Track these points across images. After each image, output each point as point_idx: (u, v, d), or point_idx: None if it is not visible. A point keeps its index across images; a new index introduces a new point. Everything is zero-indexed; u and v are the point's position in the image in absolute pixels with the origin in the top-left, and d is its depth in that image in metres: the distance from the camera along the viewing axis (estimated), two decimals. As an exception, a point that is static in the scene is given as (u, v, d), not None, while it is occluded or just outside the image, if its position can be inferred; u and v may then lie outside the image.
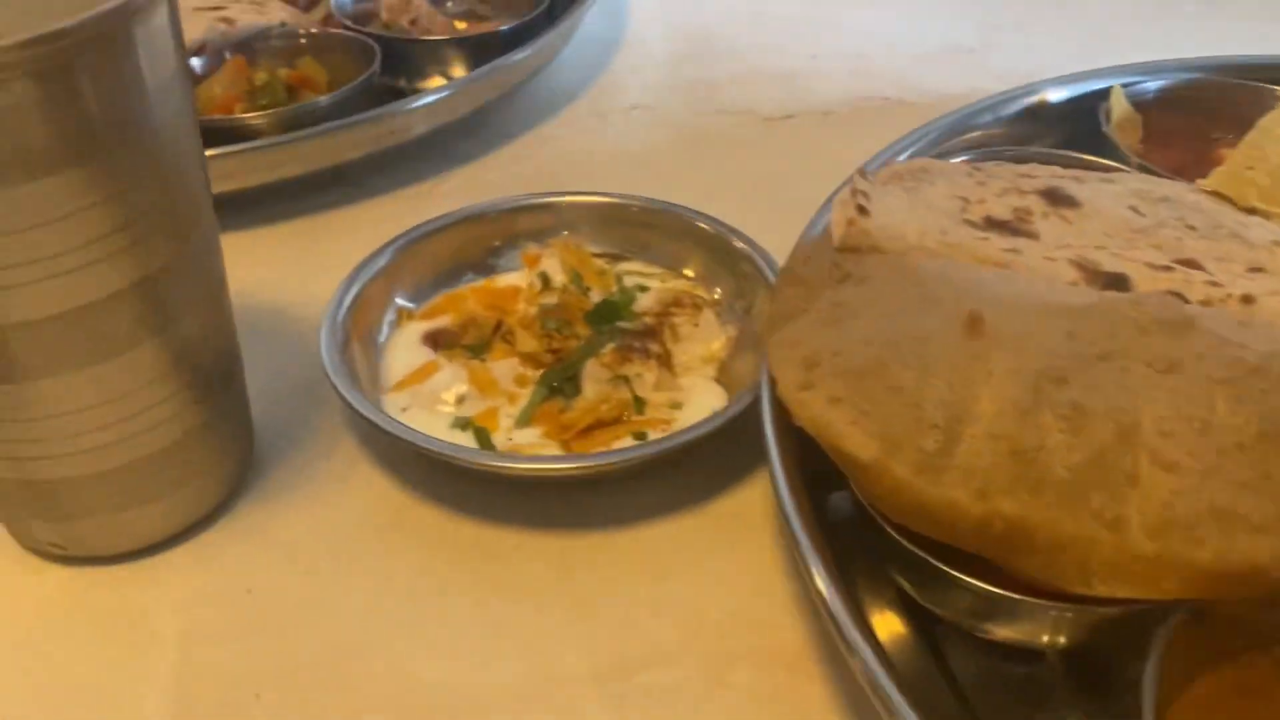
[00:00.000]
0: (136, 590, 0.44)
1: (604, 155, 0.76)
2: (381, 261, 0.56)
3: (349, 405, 0.47)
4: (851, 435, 0.37)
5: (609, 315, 0.53)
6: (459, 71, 0.80)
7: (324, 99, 0.69)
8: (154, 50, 0.35)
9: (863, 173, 0.47)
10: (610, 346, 0.51)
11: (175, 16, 0.37)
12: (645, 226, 0.59)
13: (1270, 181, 0.52)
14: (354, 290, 0.54)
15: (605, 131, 0.79)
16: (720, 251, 0.57)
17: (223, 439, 0.46)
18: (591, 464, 0.45)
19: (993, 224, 0.48)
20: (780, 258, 0.54)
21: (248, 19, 0.77)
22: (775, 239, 0.56)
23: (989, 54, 0.88)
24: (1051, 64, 0.70)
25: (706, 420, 0.46)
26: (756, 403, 0.44)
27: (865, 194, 0.44)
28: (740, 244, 0.55)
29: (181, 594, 0.44)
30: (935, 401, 0.36)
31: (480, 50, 0.79)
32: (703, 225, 0.57)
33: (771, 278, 0.53)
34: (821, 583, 0.36)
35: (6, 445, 0.40)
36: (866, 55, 0.88)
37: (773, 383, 0.42)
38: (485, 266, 0.60)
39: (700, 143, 0.77)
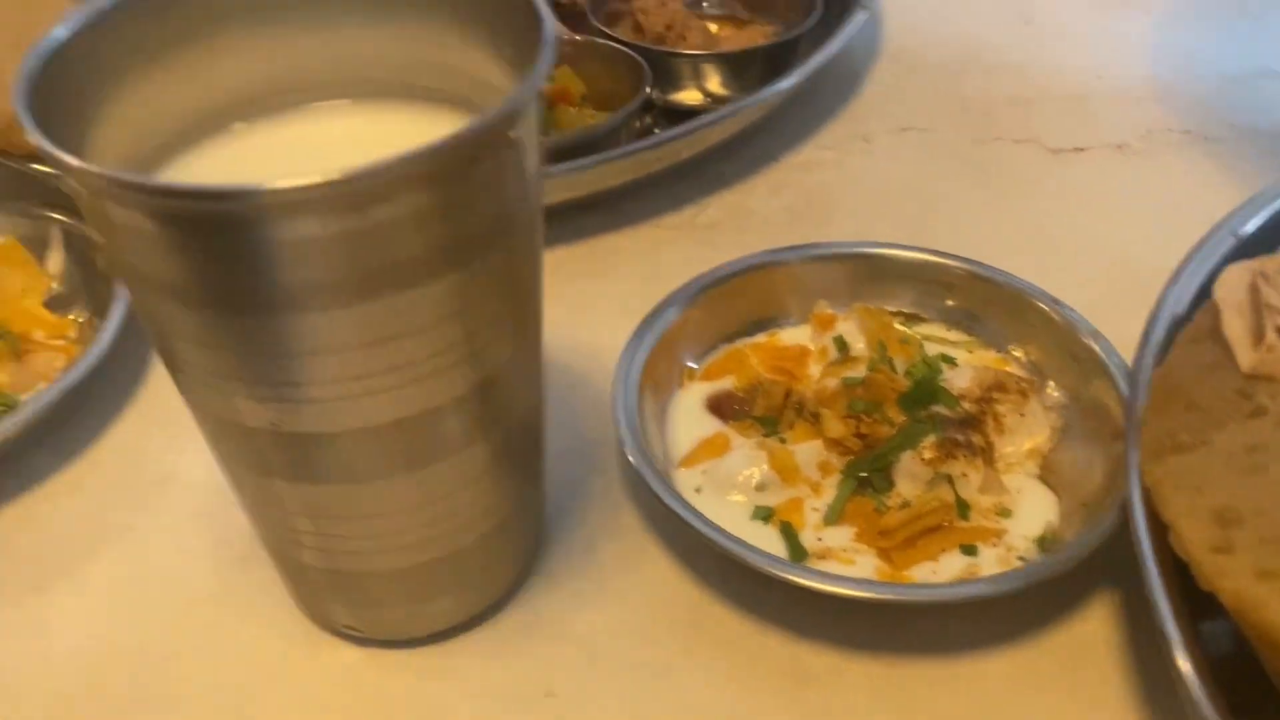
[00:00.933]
0: (432, 679, 0.42)
1: (872, 185, 0.70)
2: (671, 315, 0.52)
3: (653, 494, 0.43)
4: (1294, 624, 0.32)
5: (926, 399, 0.48)
6: (714, 84, 0.75)
7: (603, 125, 0.65)
8: (529, 144, 0.32)
9: (1266, 276, 0.40)
10: (931, 438, 0.46)
11: (540, 103, 0.33)
12: (954, 289, 0.54)
13: None
14: (644, 347, 0.50)
15: (872, 157, 0.73)
16: (1051, 331, 0.51)
17: (524, 524, 0.43)
18: (942, 596, 0.41)
19: None
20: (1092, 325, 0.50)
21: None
22: (1078, 301, 0.51)
23: (1309, 80, 0.78)
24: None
25: (1069, 548, 0.41)
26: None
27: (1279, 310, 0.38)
28: (1086, 337, 0.49)
29: (478, 689, 0.42)
30: None
31: (741, 63, 0.74)
32: (1040, 303, 0.51)
33: (1116, 372, 0.47)
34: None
35: (323, 538, 0.38)
36: (1159, 76, 0.79)
37: (1153, 511, 0.37)
38: (765, 321, 0.55)
39: (980, 175, 0.70)
